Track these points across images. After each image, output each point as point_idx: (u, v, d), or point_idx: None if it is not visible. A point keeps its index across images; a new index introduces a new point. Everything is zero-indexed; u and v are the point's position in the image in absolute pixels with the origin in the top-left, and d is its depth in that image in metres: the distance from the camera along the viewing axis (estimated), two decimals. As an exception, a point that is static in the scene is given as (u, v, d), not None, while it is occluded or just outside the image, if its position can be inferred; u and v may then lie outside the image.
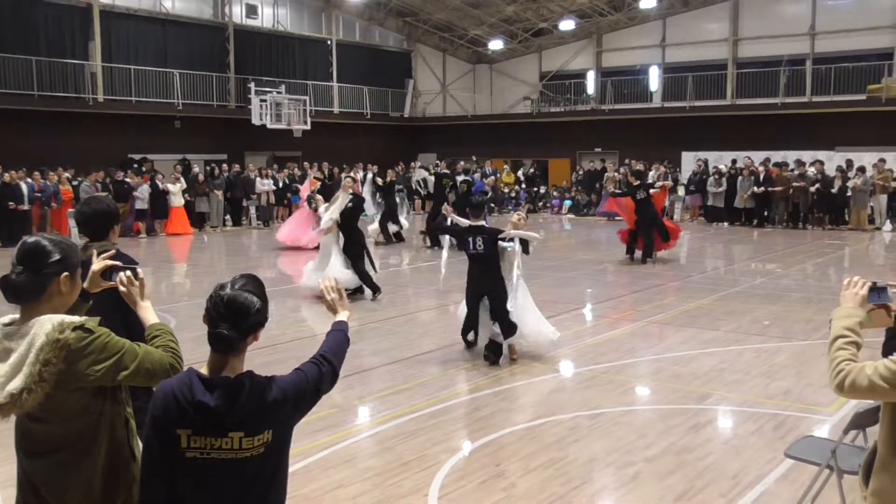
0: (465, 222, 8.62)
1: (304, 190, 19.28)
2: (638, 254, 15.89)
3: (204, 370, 2.64)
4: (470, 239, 8.27)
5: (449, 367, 8.38)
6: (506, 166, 29.74)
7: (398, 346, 9.34)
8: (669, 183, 16.41)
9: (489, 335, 8.45)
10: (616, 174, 25.47)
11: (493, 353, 8.39)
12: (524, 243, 8.49)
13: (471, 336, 8.73)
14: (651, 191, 15.80)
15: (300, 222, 18.20)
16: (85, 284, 2.94)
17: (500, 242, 8.27)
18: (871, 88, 25.53)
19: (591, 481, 5.39)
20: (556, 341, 8.65)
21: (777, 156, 24.28)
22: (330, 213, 11.99)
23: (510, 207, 27.10)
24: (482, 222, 8.57)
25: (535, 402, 7.14)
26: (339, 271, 11.55)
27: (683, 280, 14.01)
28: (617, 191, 17.85)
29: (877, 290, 2.88)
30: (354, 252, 12.04)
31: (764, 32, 29.26)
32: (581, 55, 33.82)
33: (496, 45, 34.59)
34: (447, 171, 19.91)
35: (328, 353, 2.88)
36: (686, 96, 29.43)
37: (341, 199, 12.00)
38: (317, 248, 17.29)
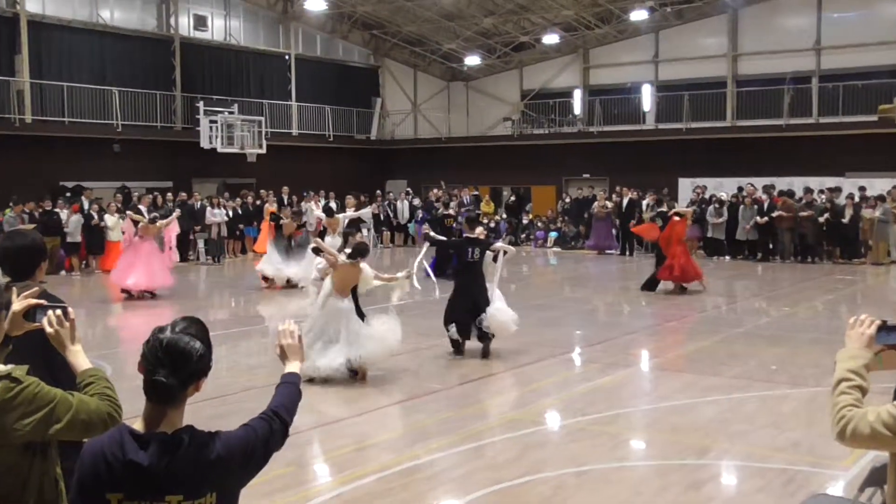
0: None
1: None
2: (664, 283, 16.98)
3: (138, 425, 2.61)
4: (469, 249, 10.94)
5: (421, 419, 8.34)
6: (476, 192, 29.81)
7: (363, 395, 9.29)
8: (688, 211, 17.53)
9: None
10: (607, 203, 25.69)
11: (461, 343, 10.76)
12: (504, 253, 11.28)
13: (452, 329, 10.70)
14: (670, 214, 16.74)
15: (140, 262, 16.01)
16: (5, 326, 2.90)
17: (488, 253, 11.00)
18: (882, 109, 25.84)
19: (579, 547, 5.37)
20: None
21: (782, 182, 24.56)
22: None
23: (491, 237, 27.18)
24: (475, 235, 11.16)
25: (517, 458, 7.11)
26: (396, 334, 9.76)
27: (681, 320, 14.10)
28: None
29: (886, 329, 2.87)
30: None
31: (765, 48, 29.75)
32: (566, 72, 34.23)
33: (473, 60, 34.93)
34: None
35: (279, 408, 2.86)
36: (682, 117, 29.81)
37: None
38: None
